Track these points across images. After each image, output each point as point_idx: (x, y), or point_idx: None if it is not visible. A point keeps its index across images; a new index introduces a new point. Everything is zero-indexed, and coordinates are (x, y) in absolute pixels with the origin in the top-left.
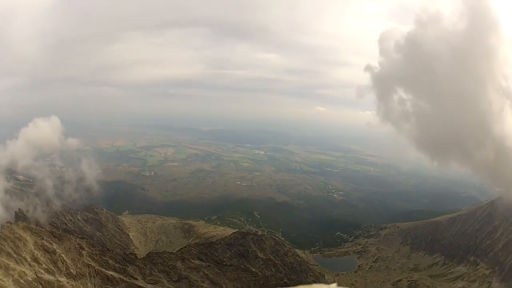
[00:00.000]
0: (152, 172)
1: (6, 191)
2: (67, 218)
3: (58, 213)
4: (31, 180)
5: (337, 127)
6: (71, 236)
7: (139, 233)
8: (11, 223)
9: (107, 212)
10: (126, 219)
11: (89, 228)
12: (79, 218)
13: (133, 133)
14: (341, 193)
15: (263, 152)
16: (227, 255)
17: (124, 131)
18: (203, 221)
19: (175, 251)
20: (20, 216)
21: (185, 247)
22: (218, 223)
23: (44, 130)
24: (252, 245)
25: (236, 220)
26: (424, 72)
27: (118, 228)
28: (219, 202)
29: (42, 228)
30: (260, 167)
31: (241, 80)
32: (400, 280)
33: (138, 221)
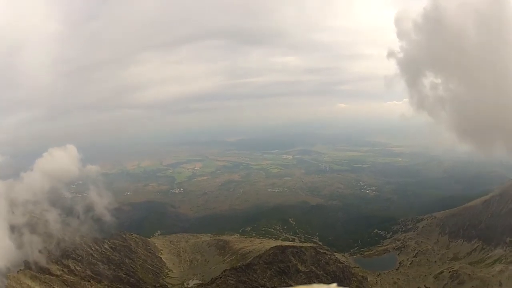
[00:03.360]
0: (182, 189)
1: (22, 226)
2: (93, 249)
3: (84, 244)
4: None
5: (361, 122)
6: (86, 283)
7: (172, 254)
8: (18, 272)
9: (136, 237)
10: (158, 241)
11: (118, 256)
12: (106, 247)
13: (159, 151)
14: (373, 188)
15: (291, 156)
16: (267, 274)
17: (149, 151)
18: (238, 234)
19: (210, 283)
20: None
21: (221, 276)
22: (254, 234)
23: (60, 159)
24: (292, 259)
25: (272, 229)
26: (451, 49)
27: (149, 252)
28: (253, 212)
29: (53, 275)
30: (289, 172)
31: (261, 87)
32: (441, 272)
33: (170, 242)
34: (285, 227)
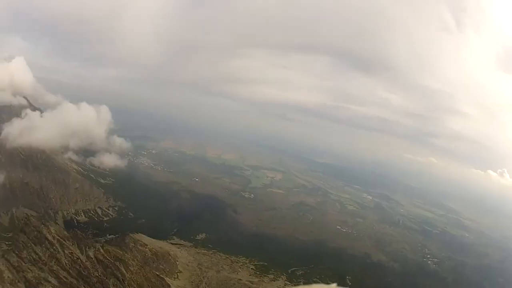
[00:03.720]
0: (252, 195)
1: None
2: (69, 253)
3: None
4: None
5: (444, 181)
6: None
7: (189, 282)
8: None
9: (147, 248)
10: (186, 255)
11: (100, 272)
12: (90, 255)
13: (245, 149)
14: (435, 260)
15: (370, 198)
16: None
17: (235, 145)
18: (285, 276)
19: None
20: None
21: None
22: (302, 282)
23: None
24: None
25: (324, 284)
26: None
27: (155, 277)
28: (312, 249)
29: None
30: (364, 214)
31: (360, 117)
32: None
33: (199, 264)
34: (340, 284)
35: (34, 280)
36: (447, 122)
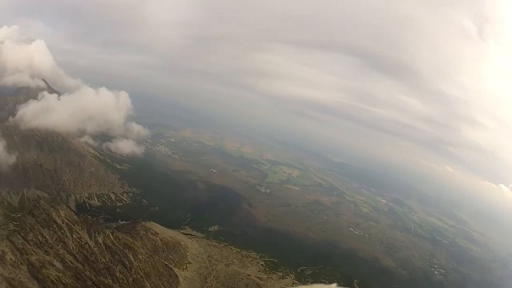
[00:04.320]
0: (268, 190)
1: None
2: (77, 237)
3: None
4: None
5: (457, 192)
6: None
7: (198, 274)
8: None
9: (158, 237)
10: (197, 246)
11: (107, 258)
12: (99, 241)
13: (263, 143)
14: (442, 271)
15: (384, 201)
16: None
17: (254, 139)
18: (294, 274)
19: None
20: None
21: None
22: (309, 282)
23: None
24: None
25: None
26: None
27: (163, 267)
28: (323, 249)
29: None
30: (377, 217)
31: (379, 119)
32: None
33: (209, 256)
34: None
35: (37, 263)
36: (463, 131)
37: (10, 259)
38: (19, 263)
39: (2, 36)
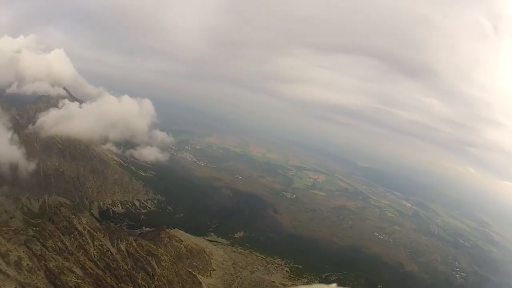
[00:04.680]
0: (294, 196)
1: None
2: (99, 245)
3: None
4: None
5: (479, 193)
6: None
7: (222, 281)
8: None
9: (185, 245)
10: (222, 252)
11: (130, 265)
12: (122, 248)
13: (289, 149)
14: (463, 274)
15: (409, 205)
16: None
17: (279, 144)
18: (318, 281)
19: None
20: None
21: None
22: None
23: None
24: None
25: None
26: None
27: (186, 274)
28: (348, 254)
29: None
30: (402, 222)
31: (403, 122)
32: None
33: (233, 263)
34: None
35: (56, 270)
36: (484, 131)
37: (27, 264)
38: (36, 269)
39: (19, 45)
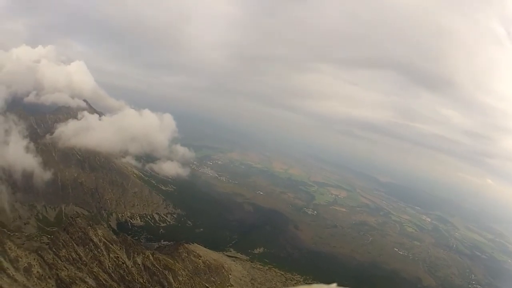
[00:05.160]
0: (315, 212)
1: None
2: (115, 257)
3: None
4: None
5: (498, 205)
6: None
7: None
8: None
9: (203, 260)
10: (241, 268)
11: (145, 278)
12: (138, 261)
13: (310, 164)
14: (478, 287)
15: (429, 220)
16: None
17: (301, 160)
18: None
19: None
20: None
21: None
22: None
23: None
24: None
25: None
26: None
27: None
28: (368, 270)
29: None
30: (421, 236)
31: (422, 135)
32: None
33: (252, 279)
34: None
35: (67, 279)
36: (502, 141)
37: (37, 272)
38: (47, 276)
39: (39, 56)
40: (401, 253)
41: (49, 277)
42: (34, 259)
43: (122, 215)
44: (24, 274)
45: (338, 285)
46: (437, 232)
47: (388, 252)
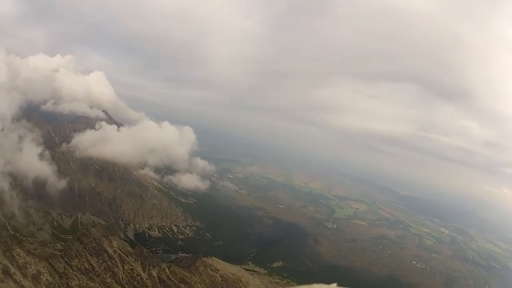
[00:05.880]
0: (335, 225)
1: None
2: (130, 269)
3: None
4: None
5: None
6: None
7: None
8: None
9: (221, 274)
10: (257, 282)
11: None
12: (153, 274)
13: (331, 178)
14: None
15: (447, 232)
16: None
17: (322, 174)
18: None
19: None
20: None
21: None
22: None
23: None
24: None
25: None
26: None
27: None
28: (385, 284)
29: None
30: (439, 249)
31: (442, 147)
32: None
33: None
34: None
35: None
36: None
37: (46, 279)
38: (56, 285)
39: (57, 65)
40: (419, 266)
41: (58, 286)
42: (44, 267)
43: (140, 226)
44: (32, 281)
45: (338, 285)
46: (455, 244)
47: (406, 266)
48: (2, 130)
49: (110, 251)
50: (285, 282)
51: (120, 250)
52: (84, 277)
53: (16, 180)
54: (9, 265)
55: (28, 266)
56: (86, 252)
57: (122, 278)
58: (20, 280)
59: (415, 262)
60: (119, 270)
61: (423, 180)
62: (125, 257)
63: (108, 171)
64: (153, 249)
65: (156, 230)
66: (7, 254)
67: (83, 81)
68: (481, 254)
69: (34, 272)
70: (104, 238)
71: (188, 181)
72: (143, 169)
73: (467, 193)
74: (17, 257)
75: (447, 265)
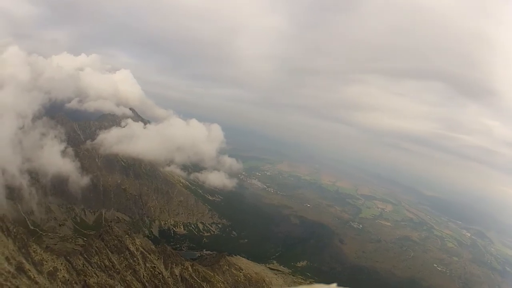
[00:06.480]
0: (361, 225)
1: None
2: (152, 266)
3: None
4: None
5: None
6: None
7: None
8: None
9: (244, 273)
10: (280, 282)
11: None
12: (176, 272)
13: (359, 178)
14: None
15: (469, 235)
16: None
17: (349, 173)
18: None
19: None
20: None
21: None
22: None
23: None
24: None
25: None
26: None
27: None
28: (406, 286)
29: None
30: (460, 252)
31: (466, 146)
32: None
33: None
34: None
35: (96, 286)
36: None
37: (63, 276)
38: (73, 282)
39: (82, 64)
40: (439, 269)
41: (75, 283)
42: (62, 263)
43: (165, 223)
44: (48, 278)
45: (338, 285)
46: (475, 247)
47: (427, 268)
48: (22, 128)
49: (132, 248)
50: (308, 282)
51: (143, 248)
52: (103, 274)
53: (36, 176)
54: (24, 261)
55: (45, 262)
56: (107, 249)
57: (143, 276)
58: (34, 277)
59: (436, 265)
60: (141, 268)
61: (447, 180)
62: (148, 255)
63: (134, 168)
64: (178, 246)
65: (182, 227)
66: (23, 250)
67: (109, 79)
68: (498, 259)
69: (51, 269)
70: (127, 236)
71: (216, 178)
72: (169, 166)
73: (487, 194)
74: (33, 253)
75: (466, 269)
